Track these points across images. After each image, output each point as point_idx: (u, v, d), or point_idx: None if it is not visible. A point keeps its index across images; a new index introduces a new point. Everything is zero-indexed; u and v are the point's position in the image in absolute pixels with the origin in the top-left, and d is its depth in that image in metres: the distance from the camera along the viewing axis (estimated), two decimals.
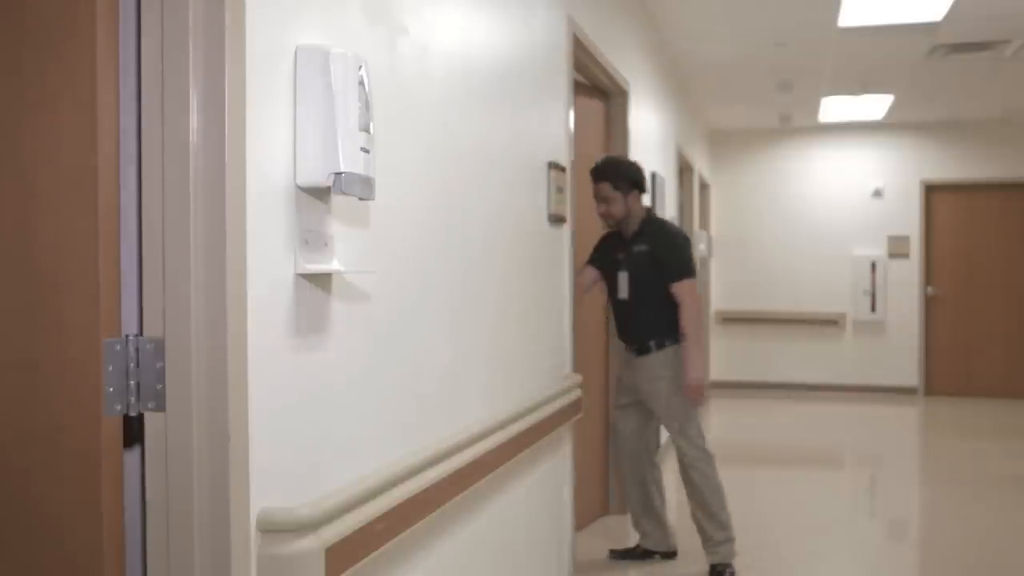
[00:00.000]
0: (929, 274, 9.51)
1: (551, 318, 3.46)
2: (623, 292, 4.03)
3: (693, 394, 3.89)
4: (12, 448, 1.47)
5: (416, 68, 2.16)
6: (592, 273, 4.20)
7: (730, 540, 4.00)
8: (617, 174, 3.98)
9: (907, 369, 9.51)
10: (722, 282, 9.91)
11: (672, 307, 3.94)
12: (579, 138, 4.17)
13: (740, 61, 6.91)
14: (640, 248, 3.99)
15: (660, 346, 3.96)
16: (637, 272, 3.99)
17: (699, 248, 8.60)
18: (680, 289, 3.92)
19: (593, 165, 4.04)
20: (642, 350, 4.00)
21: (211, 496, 1.45)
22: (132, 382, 1.45)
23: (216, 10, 1.43)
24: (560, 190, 3.51)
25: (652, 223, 4.06)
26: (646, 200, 5.60)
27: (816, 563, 4.35)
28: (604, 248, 4.20)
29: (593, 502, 4.66)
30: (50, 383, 1.45)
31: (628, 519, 4.88)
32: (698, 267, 8.34)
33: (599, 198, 4.00)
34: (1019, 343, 9.30)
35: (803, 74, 7.24)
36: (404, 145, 2.10)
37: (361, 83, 1.66)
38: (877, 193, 9.57)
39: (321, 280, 1.74)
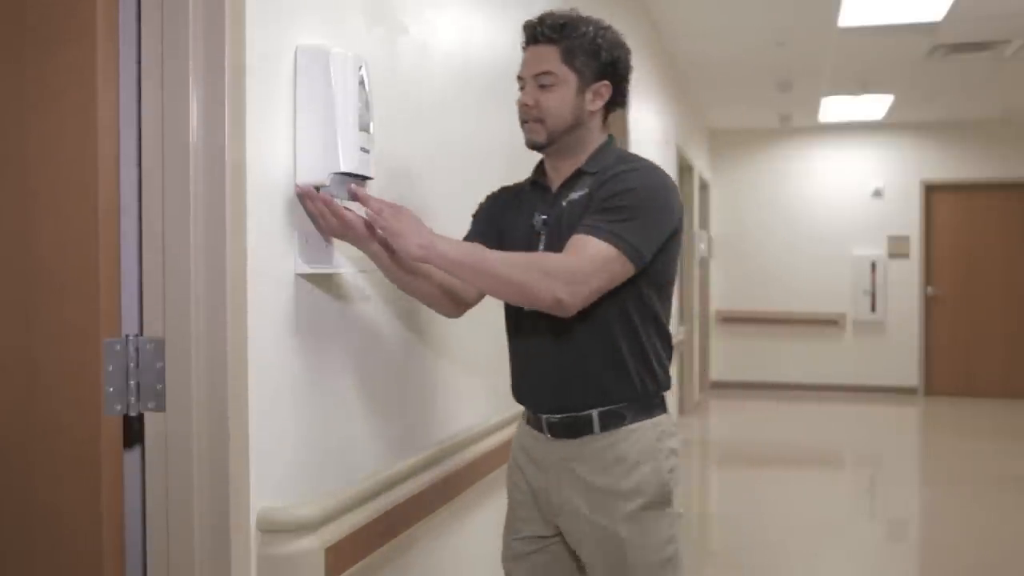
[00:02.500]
0: (929, 274, 9.50)
1: None
2: None
3: None
4: (12, 448, 1.47)
5: (416, 68, 2.16)
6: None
7: None
8: (576, 38, 1.81)
9: (907, 369, 9.50)
10: (722, 282, 9.90)
11: (659, 335, 1.87)
12: None
13: (740, 61, 6.90)
14: (577, 195, 1.85)
15: (612, 421, 1.83)
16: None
17: (699, 248, 8.60)
18: (585, 244, 1.71)
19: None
20: (571, 427, 1.85)
21: (211, 496, 1.45)
22: (132, 382, 1.45)
23: (216, 10, 1.43)
24: None
25: (613, 154, 1.89)
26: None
27: (816, 563, 4.34)
28: (499, 210, 2.03)
29: None
30: (50, 383, 1.45)
31: None
32: (691, 263, 7.92)
33: (527, 77, 1.84)
34: (1019, 343, 9.29)
35: (803, 74, 7.24)
36: (404, 145, 2.10)
37: (361, 83, 1.66)
38: (877, 193, 9.56)
39: (321, 280, 1.74)
